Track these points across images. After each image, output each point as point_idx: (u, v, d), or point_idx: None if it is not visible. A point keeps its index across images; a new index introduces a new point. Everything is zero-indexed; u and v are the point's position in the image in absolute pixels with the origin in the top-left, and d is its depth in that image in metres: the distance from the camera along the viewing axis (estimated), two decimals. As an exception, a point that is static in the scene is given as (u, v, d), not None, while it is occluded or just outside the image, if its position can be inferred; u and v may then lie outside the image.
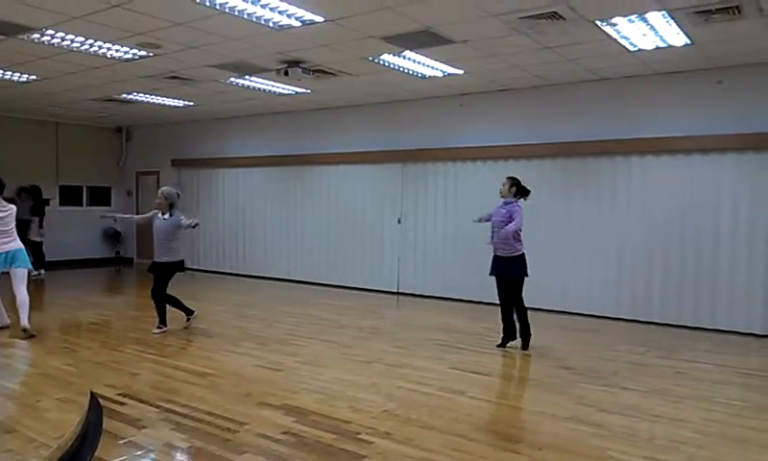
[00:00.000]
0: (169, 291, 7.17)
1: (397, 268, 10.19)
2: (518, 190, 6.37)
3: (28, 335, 6.49)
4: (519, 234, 6.30)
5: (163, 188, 7.18)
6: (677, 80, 7.76)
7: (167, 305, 7.15)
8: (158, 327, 7.05)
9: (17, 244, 6.69)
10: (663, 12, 5.56)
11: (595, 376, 5.47)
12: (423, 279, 9.92)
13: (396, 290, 10.22)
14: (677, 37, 6.27)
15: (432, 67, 7.76)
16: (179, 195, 7.10)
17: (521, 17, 5.74)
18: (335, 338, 6.89)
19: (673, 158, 7.83)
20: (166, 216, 6.96)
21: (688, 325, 7.71)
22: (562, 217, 8.61)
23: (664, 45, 6.55)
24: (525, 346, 6.41)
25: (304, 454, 3.64)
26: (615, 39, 6.39)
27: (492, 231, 6.40)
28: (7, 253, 6.57)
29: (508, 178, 6.44)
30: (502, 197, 6.39)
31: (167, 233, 6.94)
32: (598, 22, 5.87)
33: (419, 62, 7.55)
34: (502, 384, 5.20)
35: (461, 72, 7.97)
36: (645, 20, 5.79)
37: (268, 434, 3.95)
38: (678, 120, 7.74)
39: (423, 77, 8.26)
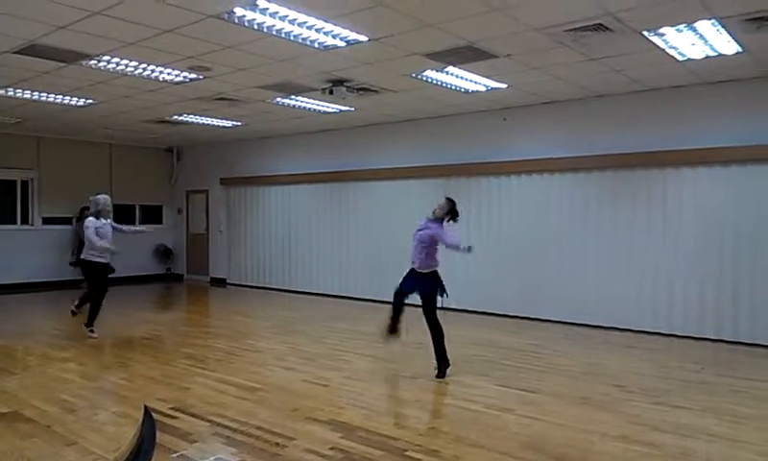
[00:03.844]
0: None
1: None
2: (452, 216, 6.16)
3: None
4: (436, 250, 6.07)
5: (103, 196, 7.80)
6: (729, 88, 7.55)
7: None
8: (91, 331, 7.57)
9: None
10: (713, 21, 5.43)
11: (647, 394, 5.33)
12: (467, 294, 9.85)
13: (439, 305, 10.14)
14: (728, 46, 6.11)
15: (475, 82, 7.76)
16: (100, 202, 7.67)
17: (566, 30, 5.70)
18: (380, 354, 6.90)
19: (726, 169, 7.59)
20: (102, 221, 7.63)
21: (745, 341, 7.42)
22: (610, 230, 8.44)
23: (715, 54, 6.39)
24: (440, 372, 5.89)
25: (352, 470, 3.67)
26: (663, 50, 6.27)
27: (413, 246, 6.16)
28: None
29: (448, 199, 6.19)
30: (436, 217, 6.10)
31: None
32: (645, 32, 5.77)
33: (462, 77, 7.56)
34: (551, 402, 5.11)
35: (504, 86, 7.94)
36: (694, 29, 5.67)
37: (316, 449, 3.99)
38: (730, 130, 7.51)
39: (466, 92, 8.26)
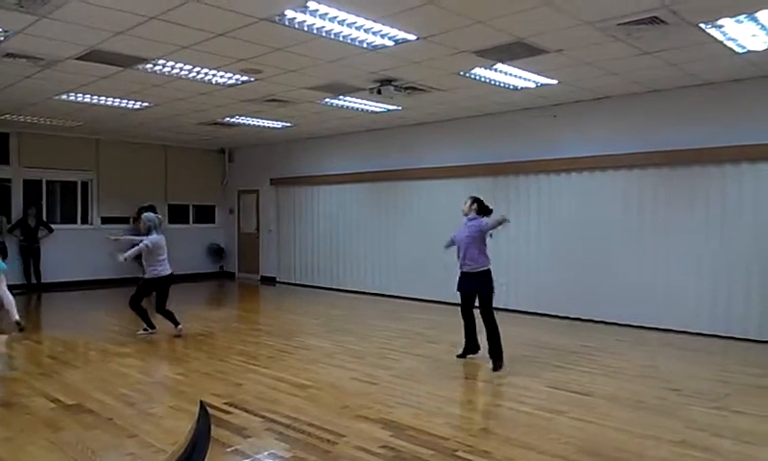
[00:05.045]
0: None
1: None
2: (480, 209, 6.40)
3: (20, 328, 7.80)
4: (485, 249, 6.32)
5: (144, 214, 8.02)
6: (793, 81, 7.24)
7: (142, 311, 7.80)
8: (144, 330, 7.79)
9: None
10: (777, 11, 5.22)
11: (705, 399, 5.16)
12: (516, 294, 9.73)
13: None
14: (792, 36, 5.87)
15: (524, 79, 7.66)
16: (159, 220, 7.94)
17: (619, 24, 5.57)
18: (429, 353, 6.90)
19: (790, 165, 7.29)
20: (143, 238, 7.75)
21: (811, 344, 7.12)
22: (666, 229, 8.20)
23: (778, 45, 6.14)
24: (496, 366, 6.07)
25: (403, 469, 3.68)
26: (721, 42, 6.06)
27: (458, 249, 6.41)
28: None
29: (470, 197, 6.49)
30: (465, 215, 6.44)
31: (143, 254, 7.68)
32: (702, 25, 5.59)
33: (511, 74, 7.47)
34: (604, 405, 5.01)
35: (555, 82, 7.81)
36: (755, 19, 5.45)
37: (366, 447, 4.02)
38: (795, 124, 7.20)
39: (515, 89, 8.16)
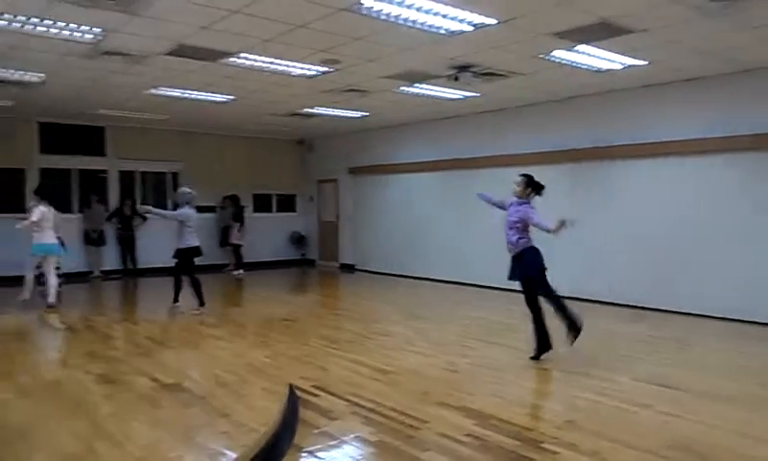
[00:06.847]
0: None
1: (566, 271, 9.79)
2: (533, 189, 5.98)
3: (49, 307, 8.51)
4: (528, 231, 5.91)
5: (179, 189, 8.87)
6: None
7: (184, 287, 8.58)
8: (198, 307, 8.41)
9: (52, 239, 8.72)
10: None
11: (808, 394, 4.88)
12: (595, 283, 9.44)
13: (565, 294, 9.83)
14: None
15: (609, 60, 7.39)
16: (190, 194, 8.58)
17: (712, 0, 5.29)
18: (508, 342, 6.85)
19: None
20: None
21: None
22: (758, 216, 7.71)
23: None
24: (573, 339, 5.84)
25: (488, 458, 3.69)
26: (833, 12, 5.64)
27: (505, 232, 6.05)
28: (42, 244, 8.64)
29: (521, 175, 6.06)
30: (517, 197, 6.01)
31: (177, 225, 8.48)
32: (810, -5, 5.22)
33: (593, 56, 7.23)
34: (692, 399, 4.81)
35: (641, 63, 7.49)
36: None
37: (450, 434, 4.05)
38: None
39: (599, 70, 7.89)
